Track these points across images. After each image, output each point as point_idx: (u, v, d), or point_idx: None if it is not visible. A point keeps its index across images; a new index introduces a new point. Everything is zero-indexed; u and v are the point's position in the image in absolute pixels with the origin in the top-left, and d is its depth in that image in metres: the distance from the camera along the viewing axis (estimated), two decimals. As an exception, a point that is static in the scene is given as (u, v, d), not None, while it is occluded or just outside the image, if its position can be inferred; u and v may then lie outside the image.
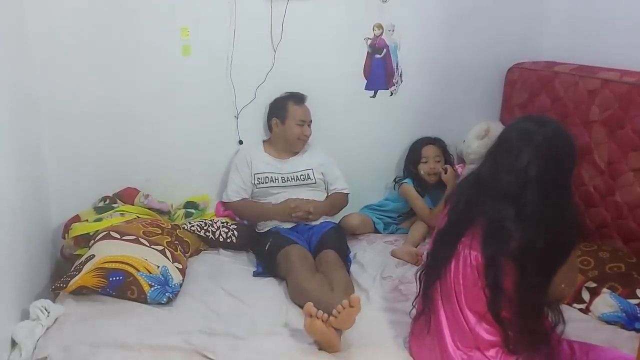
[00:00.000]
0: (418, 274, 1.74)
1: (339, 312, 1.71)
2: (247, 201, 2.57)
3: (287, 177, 2.57)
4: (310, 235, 2.44)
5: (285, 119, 2.56)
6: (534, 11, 2.89)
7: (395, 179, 2.88)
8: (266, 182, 2.55)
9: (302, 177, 2.59)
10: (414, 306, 1.75)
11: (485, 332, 1.55)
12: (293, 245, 2.28)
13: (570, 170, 1.56)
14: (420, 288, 1.71)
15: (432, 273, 1.66)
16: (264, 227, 2.53)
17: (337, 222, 2.64)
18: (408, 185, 2.75)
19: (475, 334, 1.55)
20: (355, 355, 1.74)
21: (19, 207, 1.94)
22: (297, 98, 2.59)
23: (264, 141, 2.68)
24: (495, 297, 1.51)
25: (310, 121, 2.61)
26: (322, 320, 1.69)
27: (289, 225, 2.50)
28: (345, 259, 2.32)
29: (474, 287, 1.55)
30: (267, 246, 2.35)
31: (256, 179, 2.55)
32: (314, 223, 2.51)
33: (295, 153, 2.64)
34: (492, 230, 1.52)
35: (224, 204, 2.61)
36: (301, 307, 1.99)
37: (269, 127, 2.65)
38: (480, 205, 1.55)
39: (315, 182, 2.60)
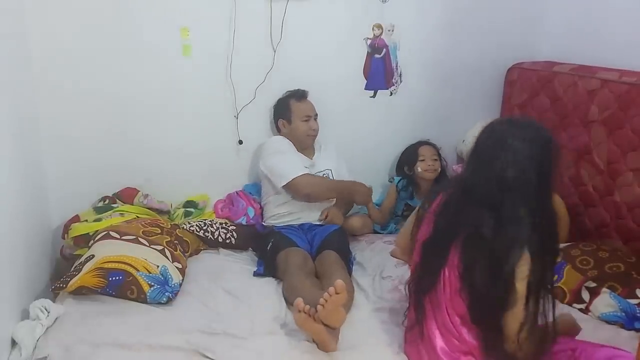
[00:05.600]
0: (408, 286, 1.74)
1: (326, 301, 1.69)
2: (319, 176, 2.53)
3: None
4: (313, 236, 2.44)
5: (291, 118, 2.57)
6: (533, 11, 2.89)
7: (390, 178, 2.91)
8: None
9: (324, 176, 2.60)
10: (406, 316, 1.75)
11: (467, 334, 1.55)
12: (294, 248, 2.28)
13: (549, 173, 1.50)
14: (411, 300, 1.70)
15: (423, 284, 1.65)
16: (269, 222, 2.53)
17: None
18: (393, 185, 2.80)
19: (461, 337, 1.55)
20: (353, 355, 1.74)
21: (18, 208, 1.94)
22: (299, 95, 2.60)
23: None
24: (473, 301, 1.51)
25: (316, 115, 2.60)
26: (309, 315, 1.69)
27: (294, 223, 2.49)
28: (347, 261, 2.32)
29: (457, 292, 1.55)
30: (269, 246, 2.35)
31: None
32: (319, 223, 2.52)
33: (311, 152, 2.64)
34: (471, 236, 1.51)
35: (287, 185, 2.43)
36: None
37: (277, 129, 2.65)
38: (463, 213, 1.54)
39: None
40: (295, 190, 2.45)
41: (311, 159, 2.62)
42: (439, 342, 1.59)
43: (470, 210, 1.51)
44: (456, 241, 1.55)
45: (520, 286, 1.44)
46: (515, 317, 1.46)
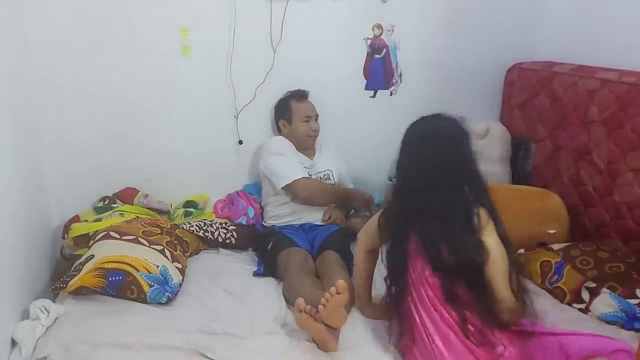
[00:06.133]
0: (385, 301, 1.76)
1: (327, 300, 1.68)
2: (318, 180, 2.55)
3: (314, 178, 2.56)
4: (314, 236, 2.44)
5: (291, 118, 2.57)
6: (533, 11, 2.89)
7: (390, 177, 2.90)
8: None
9: (324, 177, 2.60)
10: (390, 336, 1.75)
11: (447, 314, 1.58)
12: (294, 248, 2.28)
13: (467, 150, 1.65)
14: (395, 308, 1.72)
15: (400, 283, 1.68)
16: (270, 223, 2.53)
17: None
18: (392, 184, 2.78)
19: (452, 327, 1.57)
20: (353, 355, 1.74)
21: (19, 208, 1.94)
22: (299, 95, 2.59)
23: None
24: (443, 278, 1.58)
25: (317, 115, 2.60)
26: (310, 315, 1.69)
27: (295, 223, 2.49)
28: (348, 262, 2.29)
29: (433, 275, 1.60)
30: (270, 246, 2.35)
31: None
32: (319, 224, 2.52)
33: (312, 152, 2.64)
34: (425, 221, 1.61)
35: (286, 187, 2.44)
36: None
37: (278, 130, 2.65)
38: (408, 211, 1.64)
39: (334, 183, 2.62)
40: (294, 192, 2.45)
41: (312, 159, 2.61)
42: (434, 338, 1.59)
43: (413, 204, 1.63)
44: (414, 233, 1.63)
45: (487, 237, 1.55)
46: (497, 269, 1.54)
